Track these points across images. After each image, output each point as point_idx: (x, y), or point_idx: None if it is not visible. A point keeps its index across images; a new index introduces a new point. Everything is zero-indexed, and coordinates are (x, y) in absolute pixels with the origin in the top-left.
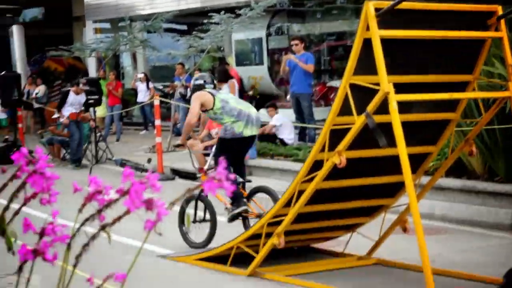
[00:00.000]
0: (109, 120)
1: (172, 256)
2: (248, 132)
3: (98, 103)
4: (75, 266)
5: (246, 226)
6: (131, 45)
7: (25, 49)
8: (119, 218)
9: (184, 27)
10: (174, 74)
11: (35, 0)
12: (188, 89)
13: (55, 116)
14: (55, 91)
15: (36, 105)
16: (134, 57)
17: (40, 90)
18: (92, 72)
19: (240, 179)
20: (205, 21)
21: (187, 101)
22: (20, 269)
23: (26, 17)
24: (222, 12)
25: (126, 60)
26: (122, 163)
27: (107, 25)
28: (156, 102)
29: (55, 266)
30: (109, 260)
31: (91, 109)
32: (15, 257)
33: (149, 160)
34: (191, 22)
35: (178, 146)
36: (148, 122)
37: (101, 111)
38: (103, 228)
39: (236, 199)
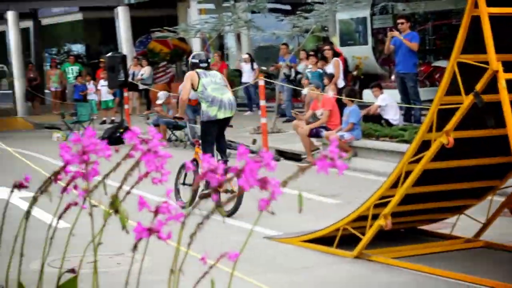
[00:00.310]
0: None
1: (278, 238)
2: (221, 115)
3: None
4: (189, 244)
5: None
6: (235, 25)
7: (131, 30)
8: (233, 197)
9: (288, 7)
10: (278, 54)
11: None
12: (293, 70)
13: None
14: (160, 72)
15: (141, 87)
16: (238, 38)
17: (145, 71)
18: None
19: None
20: (309, 0)
21: (291, 82)
22: (135, 247)
23: None
24: None
25: (230, 41)
26: (228, 145)
27: (211, 6)
28: (261, 82)
29: (168, 245)
30: (214, 240)
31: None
32: (121, 237)
33: (254, 141)
34: (294, 1)
35: (176, 118)
36: (253, 103)
37: None
38: (217, 207)
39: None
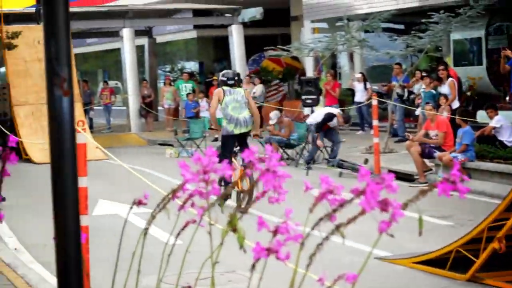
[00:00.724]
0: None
1: (389, 259)
2: (237, 131)
3: (315, 102)
4: (308, 265)
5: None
6: (348, 44)
7: (244, 48)
8: (354, 219)
9: (401, 26)
10: (391, 74)
11: (254, 0)
12: (405, 90)
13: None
14: (272, 90)
15: None
16: (351, 57)
17: (257, 89)
18: (309, 72)
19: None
20: (423, 20)
21: (404, 102)
22: (253, 266)
23: (245, 17)
24: (441, 11)
25: (343, 60)
26: (339, 164)
27: (324, 25)
28: (374, 102)
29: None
30: (326, 260)
31: (309, 108)
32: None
33: (366, 161)
34: (408, 21)
35: (211, 129)
36: (365, 122)
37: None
38: (337, 228)
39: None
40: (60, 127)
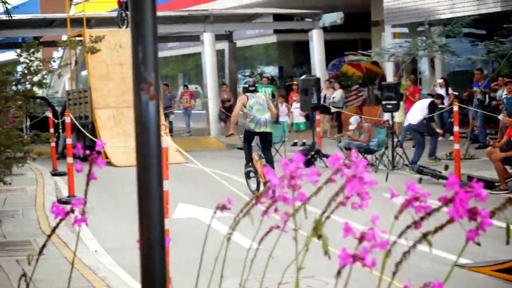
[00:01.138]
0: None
1: (469, 266)
2: (257, 129)
3: (396, 108)
4: (395, 273)
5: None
6: (429, 50)
7: (324, 53)
8: (441, 227)
9: (483, 32)
10: (472, 79)
11: (335, 5)
12: (487, 96)
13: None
14: (352, 95)
15: (333, 109)
16: (432, 62)
17: (337, 94)
18: (390, 77)
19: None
20: (505, 25)
21: (485, 108)
22: (338, 273)
23: (325, 22)
24: None
25: (423, 65)
26: (419, 169)
27: (405, 30)
28: (455, 108)
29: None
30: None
31: (389, 114)
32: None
33: (446, 167)
34: (490, 26)
35: (228, 135)
36: (446, 128)
37: (399, 116)
38: (424, 236)
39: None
40: (146, 131)
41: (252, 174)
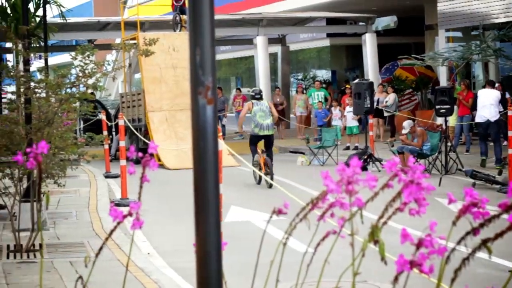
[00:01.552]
0: (459, 130)
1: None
2: (261, 133)
3: (450, 112)
4: (453, 280)
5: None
6: (483, 54)
7: (377, 57)
8: (501, 234)
9: None
10: None
11: (388, 9)
12: None
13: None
14: (405, 99)
15: (386, 113)
16: (485, 67)
17: (390, 98)
18: (443, 81)
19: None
20: None
21: None
22: (396, 279)
23: (379, 26)
24: None
25: (477, 70)
26: (473, 174)
27: (459, 34)
28: (510, 112)
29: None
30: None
31: (442, 118)
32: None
33: (500, 172)
34: None
35: (236, 133)
36: (500, 133)
37: (452, 120)
38: (484, 243)
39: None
40: (204, 135)
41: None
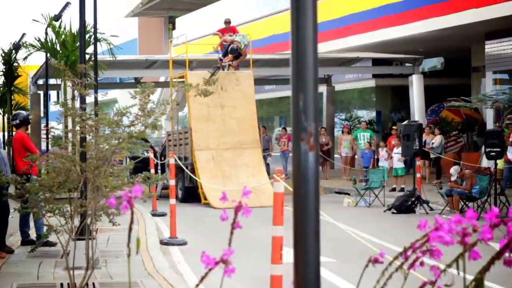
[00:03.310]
0: (507, 173)
1: None
2: None
3: (499, 155)
4: None
5: None
6: None
7: (424, 98)
8: None
9: None
10: None
11: (435, 50)
12: None
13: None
14: (451, 141)
15: (432, 155)
16: None
17: (436, 140)
18: (489, 124)
19: None
20: None
21: None
22: None
23: (425, 67)
24: None
25: None
26: None
27: (506, 76)
28: None
29: None
30: None
31: (490, 161)
32: None
33: None
34: None
35: None
36: None
37: (500, 163)
38: None
39: None
40: (305, 181)
41: None
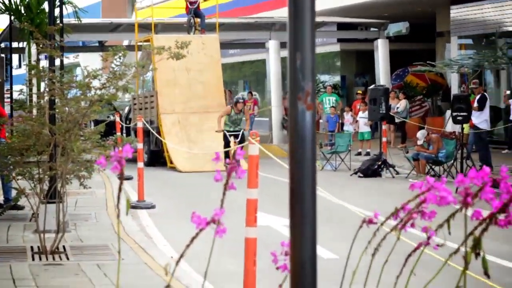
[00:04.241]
0: (473, 137)
1: None
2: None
3: (466, 119)
4: None
5: None
6: (498, 62)
7: (389, 63)
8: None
9: None
10: None
11: (400, 15)
12: None
13: None
14: (415, 106)
15: (397, 120)
16: (497, 74)
17: (401, 105)
18: (454, 89)
19: None
20: None
21: None
22: None
23: (391, 32)
24: None
25: (488, 77)
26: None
27: (470, 41)
28: None
29: None
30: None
31: (458, 125)
32: None
33: None
34: None
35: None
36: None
37: (466, 127)
38: None
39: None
40: (302, 141)
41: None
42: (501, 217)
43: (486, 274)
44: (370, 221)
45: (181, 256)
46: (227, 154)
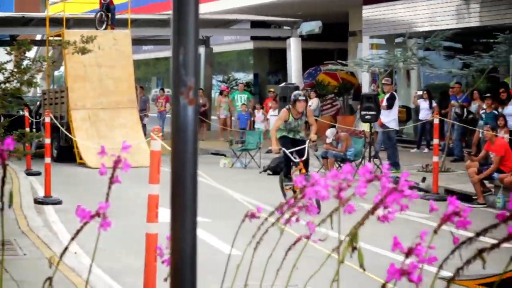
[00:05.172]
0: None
1: (453, 279)
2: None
3: (375, 118)
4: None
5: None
6: (409, 62)
7: (301, 62)
8: (498, 245)
9: (460, 45)
10: (447, 93)
11: (313, 14)
12: (465, 109)
13: None
14: (327, 104)
15: None
16: (407, 74)
17: (313, 103)
18: (365, 88)
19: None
20: (486, 40)
21: (462, 121)
22: (383, 287)
23: (304, 30)
24: (507, 31)
25: (399, 77)
26: (395, 180)
27: (382, 41)
28: (436, 121)
29: None
30: None
31: (366, 124)
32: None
33: (423, 179)
34: (467, 40)
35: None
36: (423, 140)
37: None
38: (480, 253)
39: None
40: (184, 135)
41: None
42: (379, 211)
43: (362, 267)
44: (253, 215)
45: (66, 249)
46: (289, 177)
